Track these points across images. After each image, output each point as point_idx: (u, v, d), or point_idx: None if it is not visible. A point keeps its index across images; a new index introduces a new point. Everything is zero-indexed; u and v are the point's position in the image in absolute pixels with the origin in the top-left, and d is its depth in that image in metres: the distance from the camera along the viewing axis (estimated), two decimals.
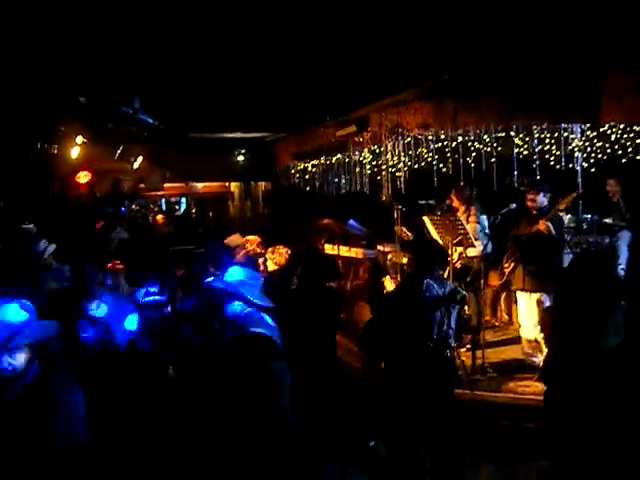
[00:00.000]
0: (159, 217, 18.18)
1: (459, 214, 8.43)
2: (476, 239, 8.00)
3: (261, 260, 7.32)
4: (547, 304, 6.94)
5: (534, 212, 7.47)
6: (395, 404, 5.32)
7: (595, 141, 10.25)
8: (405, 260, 7.24)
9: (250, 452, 2.72)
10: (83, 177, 14.63)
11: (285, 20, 7.98)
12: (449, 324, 5.25)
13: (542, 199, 7.49)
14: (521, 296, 7.65)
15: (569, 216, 9.21)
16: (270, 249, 7.10)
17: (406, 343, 5.21)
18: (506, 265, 7.62)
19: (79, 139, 12.80)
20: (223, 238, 8.34)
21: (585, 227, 9.70)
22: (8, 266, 6.18)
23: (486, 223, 8.42)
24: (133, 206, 18.27)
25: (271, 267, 6.88)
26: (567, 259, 7.65)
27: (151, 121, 12.41)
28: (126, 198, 16.93)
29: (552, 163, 10.26)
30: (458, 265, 8.11)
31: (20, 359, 3.03)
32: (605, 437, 3.17)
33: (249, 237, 8.09)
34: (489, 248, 7.85)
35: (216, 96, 10.81)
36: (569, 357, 3.44)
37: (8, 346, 2.98)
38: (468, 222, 8.19)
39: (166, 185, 17.47)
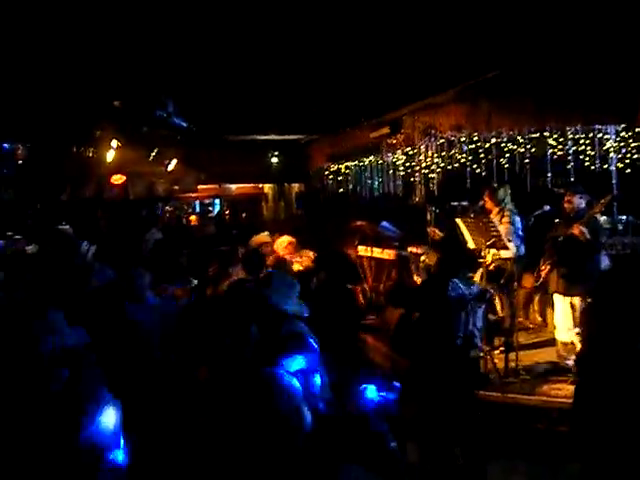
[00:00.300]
0: (192, 217, 18.40)
1: (492, 215, 8.38)
2: (509, 240, 7.93)
3: (289, 258, 7.34)
4: (583, 307, 6.89)
5: (570, 214, 7.41)
6: (419, 402, 5.32)
7: (630, 142, 10.13)
8: None
9: (267, 449, 2.72)
10: (118, 180, 14.88)
11: (320, 23, 8.02)
12: (474, 323, 5.25)
13: (579, 201, 7.41)
14: (557, 299, 7.59)
15: (604, 217, 9.12)
16: (297, 253, 7.15)
17: (432, 341, 5.22)
18: (542, 267, 7.57)
19: (114, 142, 13.03)
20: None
21: (620, 228, 9.61)
22: (50, 268, 6.26)
23: (520, 225, 8.37)
24: (167, 207, 18.48)
25: (296, 268, 6.92)
26: (603, 261, 7.58)
27: (185, 124, 12.54)
28: (160, 200, 17.13)
29: (586, 164, 10.18)
30: (492, 267, 8.06)
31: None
32: (634, 439, 3.16)
33: (280, 238, 8.00)
34: (522, 250, 7.80)
35: (250, 99, 10.89)
36: (603, 357, 3.44)
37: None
38: (501, 223, 8.13)
39: (200, 187, 17.63)
